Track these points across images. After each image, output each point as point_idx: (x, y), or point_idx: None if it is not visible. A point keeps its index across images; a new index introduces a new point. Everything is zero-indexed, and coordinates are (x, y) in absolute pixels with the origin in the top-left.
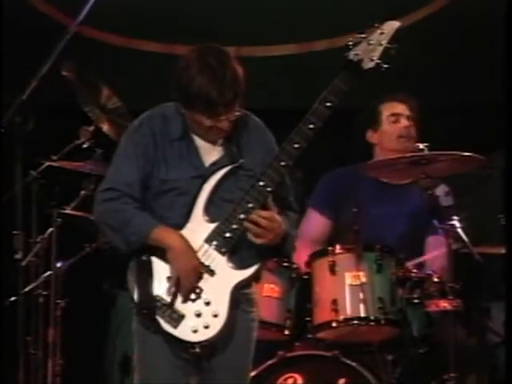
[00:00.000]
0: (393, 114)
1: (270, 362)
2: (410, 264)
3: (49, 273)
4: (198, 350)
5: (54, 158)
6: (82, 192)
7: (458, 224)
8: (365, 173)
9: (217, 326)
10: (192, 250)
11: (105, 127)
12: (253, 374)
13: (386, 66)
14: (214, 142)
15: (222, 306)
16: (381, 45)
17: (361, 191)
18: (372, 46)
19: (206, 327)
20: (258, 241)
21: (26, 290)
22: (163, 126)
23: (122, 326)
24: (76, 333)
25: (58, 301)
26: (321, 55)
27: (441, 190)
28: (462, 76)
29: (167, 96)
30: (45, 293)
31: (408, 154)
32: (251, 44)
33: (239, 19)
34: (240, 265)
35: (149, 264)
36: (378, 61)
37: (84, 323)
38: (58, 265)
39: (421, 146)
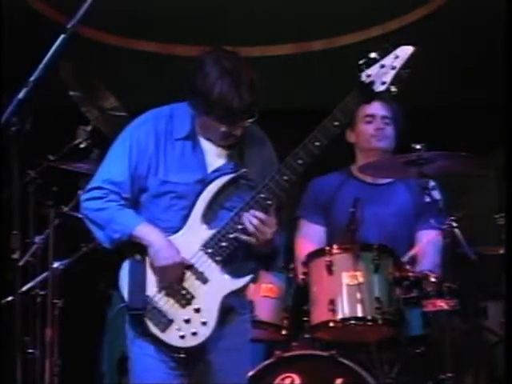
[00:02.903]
0: (367, 115)
1: (267, 362)
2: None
3: (46, 273)
4: (182, 355)
5: (52, 158)
6: (80, 192)
7: (454, 224)
8: (360, 174)
9: (204, 333)
10: (173, 247)
11: (102, 127)
12: (250, 374)
13: (396, 90)
14: (224, 147)
15: (211, 315)
16: (394, 69)
17: (347, 193)
18: (385, 69)
19: (194, 334)
20: (248, 240)
21: (24, 289)
22: (168, 124)
23: (118, 326)
24: (73, 332)
25: (56, 300)
26: (318, 55)
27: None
28: (462, 76)
29: (165, 96)
30: (42, 293)
31: (405, 155)
32: (249, 44)
33: (237, 19)
34: (233, 275)
35: (142, 264)
36: (390, 86)
37: (81, 323)
38: (56, 265)
39: (417, 146)
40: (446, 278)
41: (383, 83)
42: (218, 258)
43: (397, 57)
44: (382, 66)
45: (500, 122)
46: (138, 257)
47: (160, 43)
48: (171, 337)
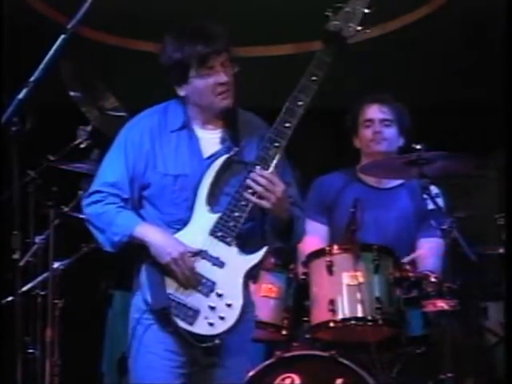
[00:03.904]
0: (366, 120)
1: (267, 363)
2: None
3: (47, 273)
4: (217, 341)
5: (52, 158)
6: (80, 192)
7: (454, 224)
8: (361, 174)
9: (232, 316)
10: (173, 239)
11: (102, 127)
12: (250, 374)
13: (366, 31)
14: (214, 124)
15: (235, 296)
16: (358, 11)
17: (350, 195)
18: (350, 14)
19: (222, 318)
20: (261, 202)
21: (24, 289)
22: (162, 119)
23: (118, 326)
24: (73, 332)
25: (56, 301)
26: None
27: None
28: (462, 76)
29: (166, 96)
30: (43, 293)
31: (405, 155)
32: (249, 44)
33: (237, 19)
34: (248, 251)
35: (157, 265)
36: (358, 27)
37: (82, 323)
38: (56, 265)
39: (417, 146)
40: (446, 279)
41: (350, 27)
42: (228, 240)
43: None
44: (347, 12)
45: (500, 121)
46: (151, 260)
47: (160, 43)
48: (201, 327)
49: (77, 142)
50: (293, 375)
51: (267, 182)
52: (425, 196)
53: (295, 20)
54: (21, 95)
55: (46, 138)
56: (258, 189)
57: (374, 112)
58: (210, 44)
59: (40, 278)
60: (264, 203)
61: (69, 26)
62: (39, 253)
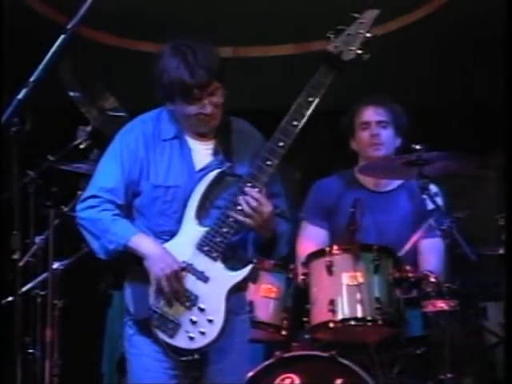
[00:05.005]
0: (362, 123)
1: (267, 363)
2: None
3: (46, 273)
4: (197, 356)
5: (52, 158)
6: (79, 192)
7: (453, 224)
8: (359, 177)
9: (213, 331)
10: (169, 254)
11: (102, 128)
12: (250, 374)
13: (366, 56)
14: (207, 136)
15: (217, 312)
16: (360, 35)
17: (349, 200)
18: (351, 37)
19: (202, 333)
20: (246, 221)
21: (24, 290)
22: (156, 127)
23: (118, 326)
24: (73, 333)
25: (56, 301)
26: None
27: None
28: (462, 76)
29: None
30: (42, 293)
31: (405, 155)
32: (249, 44)
33: (237, 19)
34: (233, 268)
35: (142, 274)
36: (358, 51)
37: (81, 323)
38: (56, 265)
39: (417, 146)
40: (445, 279)
41: (351, 50)
42: (214, 255)
43: (362, 23)
44: (349, 34)
45: (500, 122)
46: (138, 268)
47: (159, 44)
48: (180, 340)
49: (76, 142)
50: (293, 375)
51: (256, 203)
52: (424, 196)
53: (295, 20)
54: (21, 95)
55: (46, 138)
56: (247, 209)
57: (370, 114)
58: (196, 77)
59: (40, 278)
60: (249, 222)
61: (69, 26)
62: (39, 253)
